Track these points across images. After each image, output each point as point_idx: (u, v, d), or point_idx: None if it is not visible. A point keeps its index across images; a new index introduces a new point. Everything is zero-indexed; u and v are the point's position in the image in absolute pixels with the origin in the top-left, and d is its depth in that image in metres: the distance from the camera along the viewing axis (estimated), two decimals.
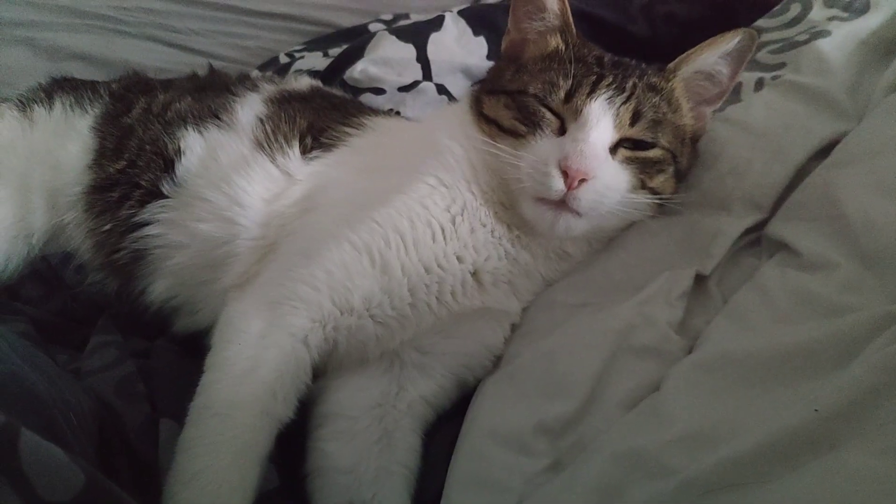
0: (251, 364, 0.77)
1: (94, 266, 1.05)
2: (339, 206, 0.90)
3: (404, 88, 1.32)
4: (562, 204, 0.83)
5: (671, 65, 0.98)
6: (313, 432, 0.87)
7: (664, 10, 1.40)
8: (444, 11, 1.48)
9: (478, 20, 1.44)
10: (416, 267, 0.84)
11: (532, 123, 0.88)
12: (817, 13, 1.15)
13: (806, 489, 0.50)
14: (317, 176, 0.95)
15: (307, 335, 0.82)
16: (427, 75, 1.35)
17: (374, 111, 1.14)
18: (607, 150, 0.86)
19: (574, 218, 0.85)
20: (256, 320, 0.81)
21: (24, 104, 1.16)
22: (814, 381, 0.64)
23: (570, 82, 0.88)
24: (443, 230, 0.86)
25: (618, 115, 0.87)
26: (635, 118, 0.88)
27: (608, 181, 0.84)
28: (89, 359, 0.90)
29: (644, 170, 0.89)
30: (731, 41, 0.95)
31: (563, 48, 0.96)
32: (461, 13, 1.47)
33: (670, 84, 0.95)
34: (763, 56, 1.14)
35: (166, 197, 0.99)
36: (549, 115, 0.88)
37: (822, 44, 1.08)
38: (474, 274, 0.88)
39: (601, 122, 0.86)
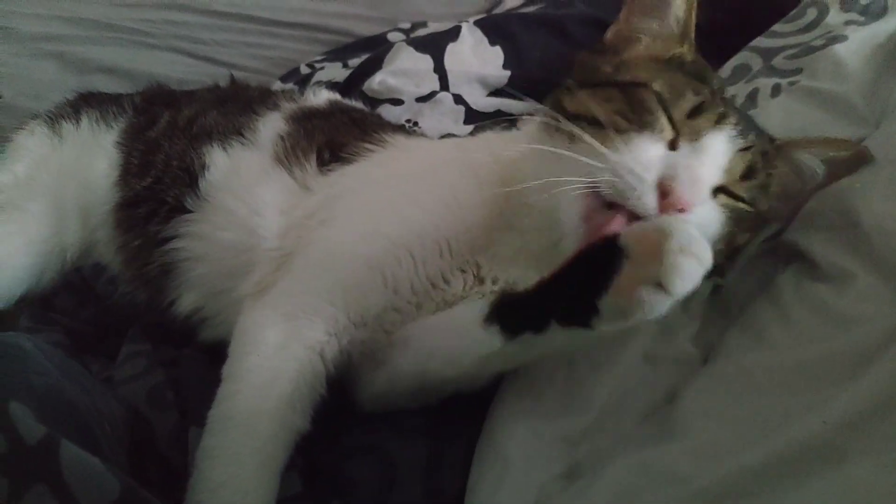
0: (271, 376, 0.79)
1: (125, 279, 1.08)
2: (354, 219, 0.91)
3: (422, 99, 1.34)
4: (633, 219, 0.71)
5: (782, 142, 0.86)
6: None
7: None
8: (461, 21, 1.50)
9: (494, 30, 1.45)
10: (425, 284, 0.86)
11: (640, 122, 0.76)
12: (833, 17, 1.15)
13: (813, 501, 0.51)
14: (333, 187, 0.96)
15: (323, 348, 0.83)
16: (444, 86, 1.37)
17: (396, 128, 1.15)
18: (710, 189, 0.75)
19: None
20: (274, 331, 0.83)
21: (53, 120, 1.20)
22: (826, 394, 0.65)
23: (698, 99, 0.78)
24: (450, 248, 0.86)
25: (732, 159, 0.76)
26: (748, 173, 0.78)
27: (703, 220, 0.73)
28: (121, 368, 0.93)
29: (734, 225, 0.77)
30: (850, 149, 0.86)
31: (689, 59, 0.87)
32: (477, 23, 1.48)
33: (774, 161, 0.83)
34: (779, 62, 1.14)
35: (190, 211, 1.02)
36: (664, 121, 0.76)
37: (839, 49, 1.08)
38: (479, 279, 0.88)
39: (719, 157, 0.75)
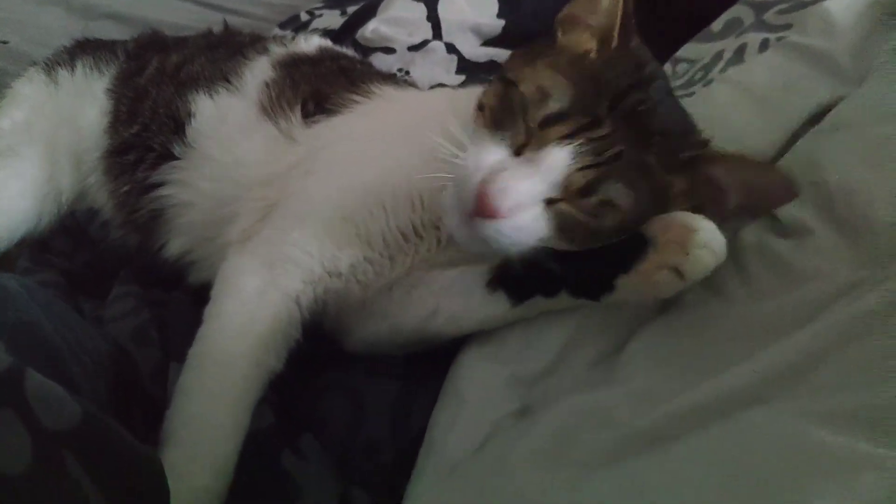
0: (248, 319, 0.84)
1: (117, 224, 1.13)
2: (333, 172, 0.94)
3: (414, 48, 1.35)
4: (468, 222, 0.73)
5: (694, 155, 0.78)
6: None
7: None
8: None
9: None
10: (396, 235, 0.89)
11: (501, 123, 0.75)
12: None
13: (711, 443, 0.54)
14: (317, 139, 0.99)
15: (299, 295, 0.88)
16: (437, 34, 1.37)
17: (385, 78, 1.15)
18: (540, 200, 0.72)
19: (479, 242, 0.73)
20: (253, 278, 0.87)
21: (50, 67, 1.23)
22: (765, 345, 0.67)
23: (559, 106, 0.73)
24: (422, 201, 0.88)
25: (570, 176, 0.71)
26: (587, 191, 0.72)
27: (519, 225, 0.71)
28: (110, 308, 0.98)
29: (569, 231, 0.74)
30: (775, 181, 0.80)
31: (593, 58, 0.79)
32: None
33: (671, 181, 0.76)
34: (770, 17, 1.13)
35: (177, 158, 1.05)
36: (521, 125, 0.74)
37: (830, 4, 1.06)
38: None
39: (550, 173, 0.71)
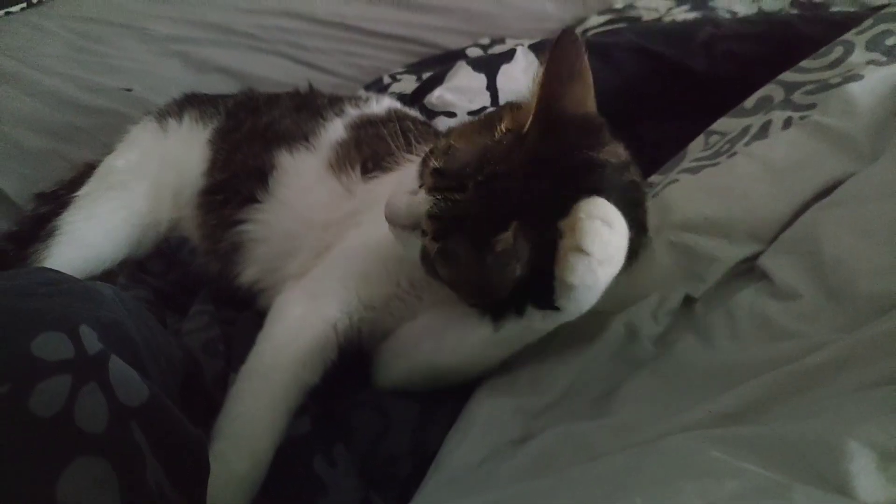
0: (290, 339, 0.99)
1: (202, 251, 1.31)
2: (376, 222, 1.08)
3: (472, 113, 1.50)
4: None
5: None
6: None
7: (724, 47, 1.48)
8: (518, 45, 1.64)
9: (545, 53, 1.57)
10: (423, 278, 0.99)
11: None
12: (857, 57, 1.20)
13: (631, 457, 0.63)
14: (369, 193, 1.16)
15: (336, 322, 1.03)
16: (494, 102, 1.52)
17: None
18: (406, 225, 0.89)
19: None
20: (299, 306, 1.04)
21: (161, 116, 1.45)
22: (731, 391, 0.76)
23: (444, 164, 0.87)
24: None
25: (426, 221, 0.86)
26: (434, 236, 0.86)
27: (398, 233, 0.92)
28: (187, 322, 1.15)
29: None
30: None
31: (499, 136, 0.87)
32: (532, 46, 1.62)
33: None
34: (797, 96, 1.21)
35: (259, 202, 1.23)
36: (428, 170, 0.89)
37: (853, 87, 1.13)
38: None
39: (415, 208, 0.87)
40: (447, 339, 0.98)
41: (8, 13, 2.31)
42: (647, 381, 0.86)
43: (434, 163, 0.88)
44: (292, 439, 0.94)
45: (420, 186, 0.89)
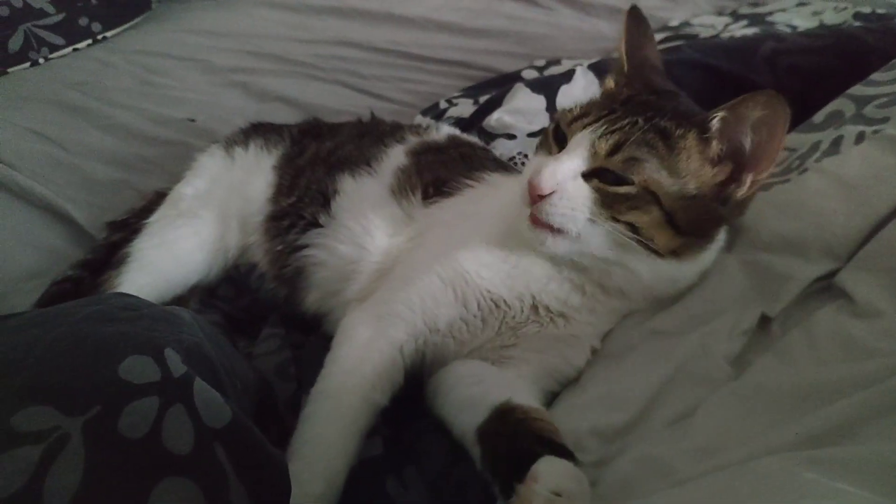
0: (358, 362, 1.00)
1: (270, 277, 1.34)
2: (438, 244, 1.11)
3: (533, 134, 1.50)
4: (536, 219, 0.95)
5: (704, 117, 0.97)
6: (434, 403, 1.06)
7: (788, 61, 1.46)
8: (577, 65, 1.64)
9: (605, 72, 1.57)
10: (489, 303, 1.05)
11: (546, 147, 1.04)
12: None
13: (718, 480, 0.61)
14: (430, 217, 1.17)
15: (402, 345, 1.04)
16: None
17: (499, 164, 1.33)
18: (577, 174, 0.94)
19: (550, 235, 0.95)
20: (366, 329, 1.04)
21: (228, 145, 1.49)
22: (815, 411, 0.74)
23: (579, 111, 1.01)
24: (510, 274, 1.04)
25: (595, 145, 0.94)
26: (614, 150, 0.93)
27: (566, 197, 0.93)
28: (259, 346, 1.18)
29: (612, 203, 0.93)
30: (751, 110, 0.93)
31: (612, 87, 1.09)
32: (591, 66, 1.62)
33: (684, 132, 0.96)
34: (869, 110, 1.18)
35: (321, 227, 1.25)
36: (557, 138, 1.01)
37: None
38: (534, 307, 1.05)
39: (578, 148, 0.95)
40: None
41: (75, 49, 2.41)
42: (726, 402, 0.84)
43: (568, 118, 1.01)
44: (365, 461, 0.95)
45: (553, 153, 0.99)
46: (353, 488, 0.92)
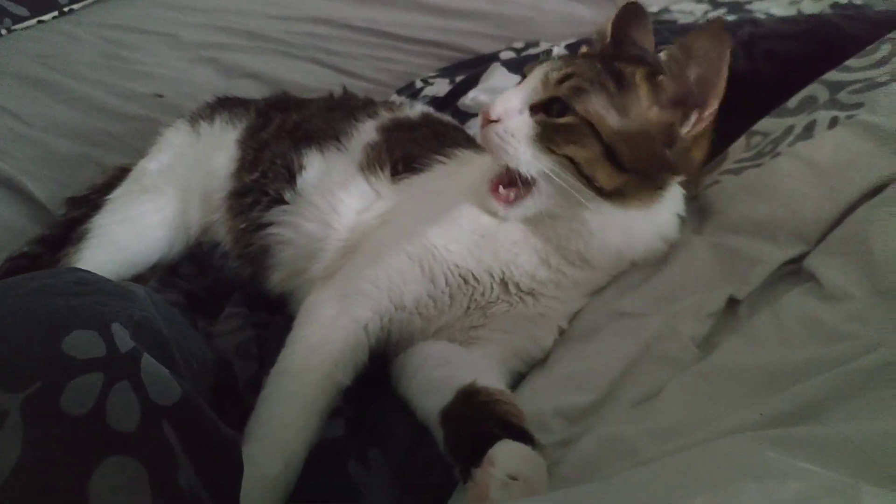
0: (320, 341, 0.98)
1: (233, 255, 1.30)
2: (406, 221, 1.08)
3: None
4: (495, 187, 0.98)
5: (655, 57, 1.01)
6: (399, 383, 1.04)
7: (765, 46, 1.44)
8: (554, 45, 1.62)
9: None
10: (457, 279, 1.02)
11: None
12: None
13: (680, 460, 0.60)
14: (399, 194, 1.15)
15: (367, 324, 1.01)
16: None
17: (473, 143, 1.29)
18: (526, 106, 0.98)
19: (506, 205, 0.98)
20: (330, 307, 1.02)
21: (194, 119, 1.45)
22: (780, 392, 0.73)
23: (542, 58, 1.04)
24: (479, 245, 1.02)
25: (547, 77, 0.98)
26: (563, 79, 0.96)
27: (511, 127, 0.95)
28: (220, 325, 1.14)
29: (552, 136, 0.95)
30: (695, 40, 0.96)
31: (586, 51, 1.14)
32: (568, 46, 1.60)
33: (633, 70, 0.98)
34: (843, 96, 1.17)
35: (287, 203, 1.22)
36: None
37: None
38: (502, 283, 1.03)
39: (531, 80, 0.99)
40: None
41: (40, 21, 2.34)
42: (692, 383, 0.83)
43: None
44: (326, 442, 0.93)
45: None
46: (313, 470, 0.90)
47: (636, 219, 1.00)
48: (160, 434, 0.66)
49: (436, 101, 1.68)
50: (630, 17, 1.07)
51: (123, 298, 0.79)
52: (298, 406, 0.91)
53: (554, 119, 0.95)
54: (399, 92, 1.93)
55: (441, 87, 1.80)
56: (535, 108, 0.98)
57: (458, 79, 1.78)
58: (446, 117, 1.46)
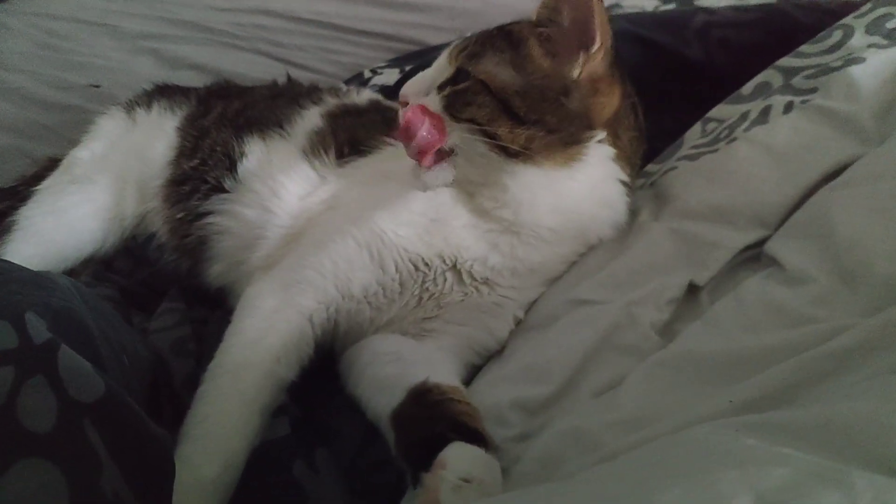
0: (261, 334, 0.92)
1: (170, 247, 1.24)
2: (353, 206, 1.03)
3: None
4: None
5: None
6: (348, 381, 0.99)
7: (719, 34, 1.43)
8: None
9: None
10: (407, 265, 0.97)
11: None
12: (857, 40, 1.16)
13: (651, 451, 0.56)
14: (345, 178, 1.09)
15: (312, 314, 0.96)
16: None
17: None
18: (434, 84, 0.98)
19: (424, 170, 0.94)
20: (271, 298, 0.96)
21: (130, 106, 1.38)
22: (749, 379, 0.70)
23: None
24: (428, 230, 0.98)
25: (450, 54, 1.00)
26: (460, 52, 0.98)
27: (420, 108, 0.94)
28: (155, 320, 1.08)
29: (454, 102, 0.94)
30: None
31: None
32: None
33: (520, 27, 0.99)
34: (798, 81, 1.16)
35: (227, 192, 1.16)
36: None
37: (855, 70, 1.09)
38: (454, 270, 0.99)
39: (439, 61, 1.02)
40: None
41: None
42: (654, 371, 0.80)
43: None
44: (270, 443, 0.87)
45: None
46: (256, 472, 0.84)
47: (560, 180, 0.96)
48: (81, 434, 0.59)
49: (385, 90, 1.63)
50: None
51: (41, 287, 0.72)
52: (237, 403, 0.85)
53: (453, 87, 0.95)
54: (347, 82, 1.87)
55: (390, 77, 1.75)
56: (443, 85, 0.97)
57: (408, 68, 1.73)
58: (396, 104, 1.40)
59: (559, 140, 0.94)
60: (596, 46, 0.96)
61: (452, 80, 0.96)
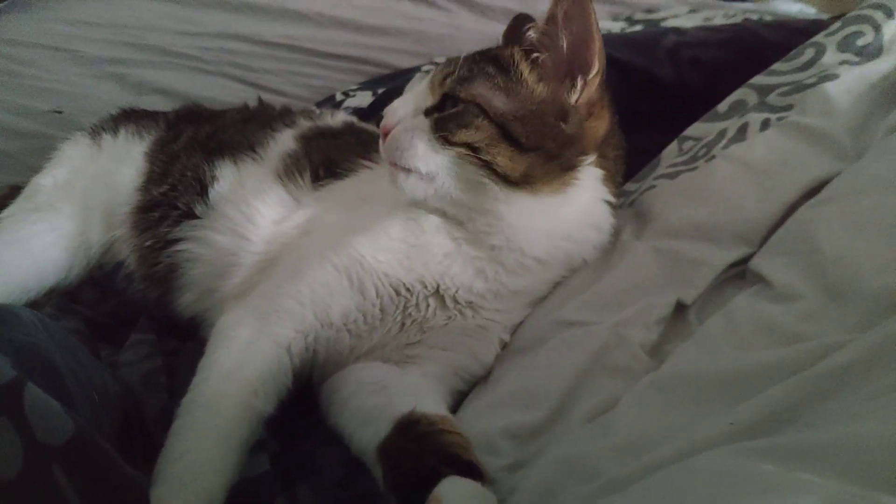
0: (236, 365, 0.88)
1: (139, 276, 1.19)
2: (330, 230, 1.00)
3: None
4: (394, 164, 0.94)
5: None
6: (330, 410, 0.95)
7: (690, 54, 1.44)
8: None
9: None
10: (388, 290, 0.94)
11: None
12: (830, 57, 1.17)
13: (660, 481, 0.54)
14: (321, 202, 1.06)
15: (290, 344, 0.92)
16: None
17: None
18: (420, 112, 0.96)
19: (403, 173, 0.93)
20: (246, 328, 0.92)
21: (95, 132, 1.33)
22: (747, 400, 0.68)
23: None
24: (408, 255, 0.95)
25: (433, 82, 0.97)
26: (447, 76, 0.95)
27: (408, 126, 0.93)
28: (124, 353, 1.03)
29: (446, 125, 0.92)
30: (557, 6, 0.93)
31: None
32: None
33: (510, 51, 0.97)
34: (773, 98, 1.17)
35: (198, 218, 1.12)
36: None
37: (829, 86, 1.10)
38: (437, 295, 0.96)
39: (419, 86, 1.00)
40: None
41: None
42: (647, 394, 0.78)
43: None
44: (248, 480, 0.82)
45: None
46: None
47: (555, 206, 0.95)
48: (49, 479, 0.55)
49: (359, 112, 1.61)
50: (520, 25, 1.02)
51: (3, 321, 0.68)
52: (213, 439, 0.80)
53: (445, 112, 0.93)
54: (319, 105, 1.85)
55: (363, 100, 1.73)
56: (429, 112, 0.95)
57: (381, 90, 1.71)
58: (370, 126, 1.38)
59: (558, 166, 0.94)
60: (594, 71, 0.95)
61: (439, 107, 0.94)
